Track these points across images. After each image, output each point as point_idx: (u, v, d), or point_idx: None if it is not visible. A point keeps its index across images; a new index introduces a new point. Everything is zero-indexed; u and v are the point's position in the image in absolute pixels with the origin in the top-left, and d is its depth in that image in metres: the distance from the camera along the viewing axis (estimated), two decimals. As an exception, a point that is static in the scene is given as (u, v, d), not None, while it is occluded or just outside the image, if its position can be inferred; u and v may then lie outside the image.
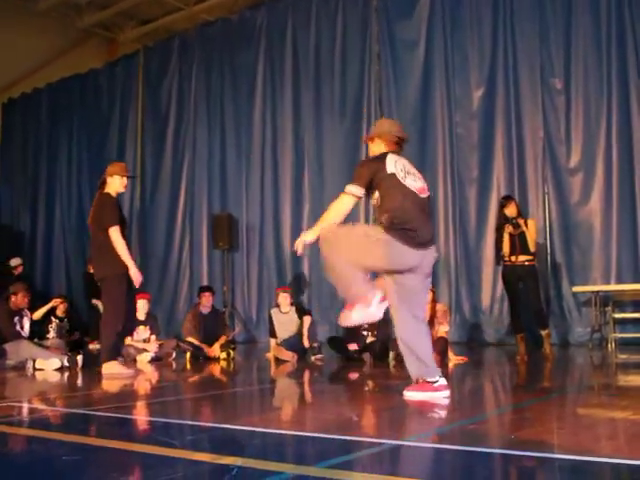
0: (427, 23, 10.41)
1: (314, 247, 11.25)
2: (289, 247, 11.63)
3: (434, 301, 6.96)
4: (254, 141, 12.21)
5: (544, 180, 9.31)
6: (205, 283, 11.68)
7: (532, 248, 7.26)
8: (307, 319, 8.10)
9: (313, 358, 7.60)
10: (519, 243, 7.21)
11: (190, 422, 3.51)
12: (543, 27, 9.40)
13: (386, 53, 10.80)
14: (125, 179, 6.51)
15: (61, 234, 15.35)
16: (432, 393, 3.96)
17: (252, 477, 2.16)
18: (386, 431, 3.21)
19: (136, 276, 6.14)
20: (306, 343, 7.87)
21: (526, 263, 7.24)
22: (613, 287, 8.46)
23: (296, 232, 11.47)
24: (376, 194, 4.07)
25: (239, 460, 2.38)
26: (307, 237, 4.12)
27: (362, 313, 3.86)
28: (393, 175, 4.04)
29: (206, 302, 8.32)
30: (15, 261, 12.51)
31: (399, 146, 4.33)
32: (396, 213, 3.96)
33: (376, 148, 4.31)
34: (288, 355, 7.56)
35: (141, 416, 3.85)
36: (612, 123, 8.88)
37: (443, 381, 4.02)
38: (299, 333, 7.98)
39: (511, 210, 7.36)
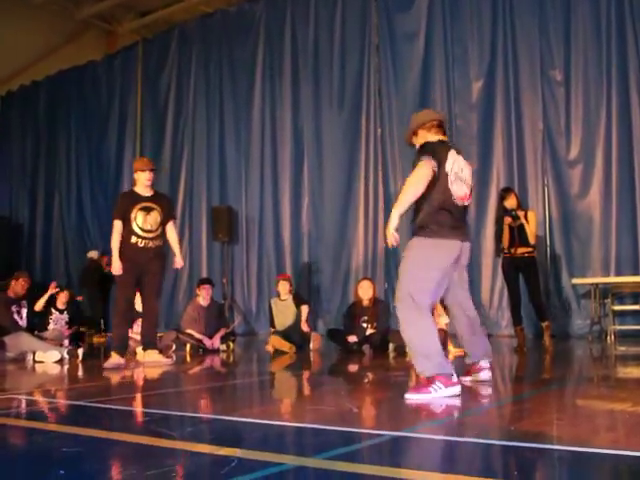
0: (427, 15, 10.38)
1: (314, 239, 11.13)
2: (288, 239, 11.64)
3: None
4: (253, 133, 12.20)
5: (544, 172, 9.31)
6: (205, 275, 11.69)
7: (532, 240, 7.24)
8: (305, 308, 8.16)
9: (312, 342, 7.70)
10: (518, 235, 7.19)
11: (190, 414, 3.52)
12: (543, 19, 9.38)
13: (385, 45, 10.78)
14: (147, 173, 6.57)
15: (60, 227, 15.35)
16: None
17: (252, 468, 2.16)
18: (385, 422, 3.21)
19: (113, 265, 6.24)
20: (305, 328, 7.93)
21: (525, 255, 7.23)
22: (612, 279, 8.47)
23: (295, 224, 11.50)
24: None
25: (239, 451, 2.38)
26: (394, 220, 3.88)
27: (444, 393, 3.68)
28: (446, 175, 3.97)
29: (205, 294, 8.32)
30: (93, 253, 12.54)
31: (443, 129, 4.24)
32: (432, 216, 3.94)
33: (422, 139, 4.17)
34: (286, 346, 7.58)
35: (141, 408, 3.85)
36: (612, 115, 8.87)
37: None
38: (297, 323, 8.02)
39: (511, 202, 7.34)
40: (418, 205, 3.98)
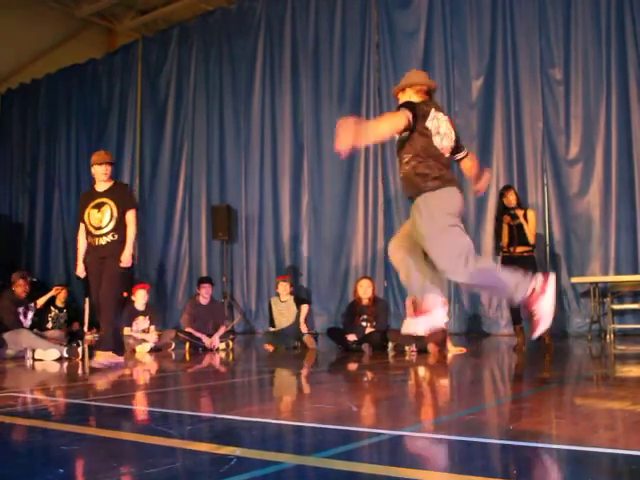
0: (426, 12, 10.39)
1: (314, 237, 11.13)
2: (288, 237, 11.64)
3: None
4: (253, 132, 12.19)
5: (543, 171, 9.31)
6: (204, 274, 11.70)
7: (531, 239, 7.23)
8: (305, 307, 8.16)
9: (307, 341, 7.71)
10: (517, 234, 7.18)
11: (189, 412, 3.52)
12: (542, 17, 9.38)
13: (385, 42, 10.78)
14: (103, 166, 6.30)
15: (60, 225, 15.35)
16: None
17: (251, 467, 2.17)
18: (385, 421, 3.21)
19: (77, 269, 6.30)
20: (304, 329, 7.94)
21: (524, 254, 7.22)
22: (612, 278, 8.47)
23: (295, 222, 11.50)
24: (404, 135, 4.00)
25: (238, 450, 2.38)
26: (348, 137, 3.95)
27: (429, 320, 3.90)
28: (428, 130, 3.98)
29: (205, 293, 8.33)
30: None
31: (429, 96, 4.28)
32: (429, 167, 3.94)
33: (407, 98, 4.22)
34: (270, 348, 7.66)
35: (140, 406, 3.85)
36: (611, 114, 8.88)
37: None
38: (296, 323, 8.03)
39: (510, 199, 7.33)
40: (409, 166, 3.99)
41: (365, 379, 4.65)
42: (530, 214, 7.34)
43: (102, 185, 6.28)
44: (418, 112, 3.96)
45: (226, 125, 12.62)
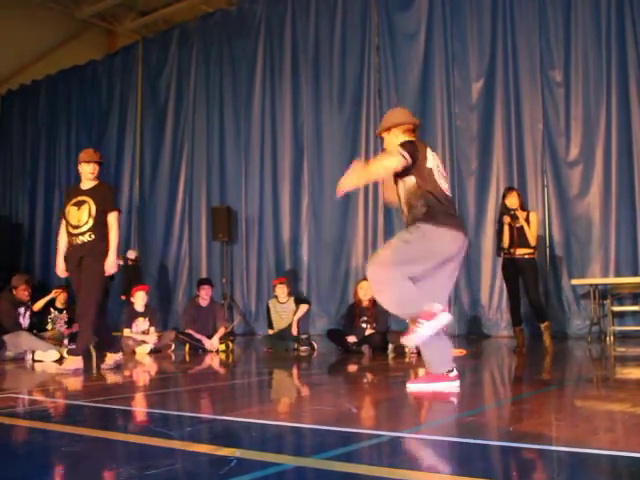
0: (427, 14, 10.40)
1: (314, 238, 11.14)
2: (288, 239, 11.64)
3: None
4: (253, 133, 12.20)
5: (543, 172, 9.31)
6: (204, 275, 11.70)
7: (532, 242, 7.22)
8: (303, 307, 8.15)
9: (301, 349, 7.69)
10: (518, 236, 7.17)
11: (189, 414, 3.52)
12: (543, 19, 9.39)
13: (385, 44, 10.79)
14: (91, 165, 5.99)
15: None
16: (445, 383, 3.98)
17: (251, 468, 2.16)
18: (385, 423, 3.21)
19: (57, 267, 6.17)
20: (294, 331, 7.93)
21: (525, 256, 7.21)
22: (612, 280, 8.47)
23: (295, 224, 11.50)
24: (412, 179, 3.99)
25: (237, 451, 2.38)
26: (351, 182, 4.05)
27: (430, 326, 3.83)
28: (431, 171, 4.02)
29: (204, 295, 8.32)
30: (131, 253, 12.52)
31: (415, 133, 4.30)
32: (434, 198, 3.95)
33: (394, 139, 4.21)
34: (306, 350, 7.66)
35: (140, 407, 3.85)
36: (612, 115, 8.88)
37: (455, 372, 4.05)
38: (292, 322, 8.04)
39: (511, 201, 7.31)
40: (413, 201, 3.99)
41: (365, 381, 4.65)
42: (532, 216, 7.32)
43: (87, 184, 6.06)
44: (419, 153, 3.98)
45: (226, 126, 12.62)
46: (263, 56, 12.27)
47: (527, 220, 7.22)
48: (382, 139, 4.41)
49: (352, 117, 11.07)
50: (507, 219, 7.20)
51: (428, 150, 4.08)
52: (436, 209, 3.93)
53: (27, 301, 8.04)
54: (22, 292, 7.93)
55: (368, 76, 11.00)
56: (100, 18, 16.61)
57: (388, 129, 4.28)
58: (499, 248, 7.43)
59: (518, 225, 7.17)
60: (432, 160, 4.05)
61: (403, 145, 3.99)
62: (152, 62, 14.01)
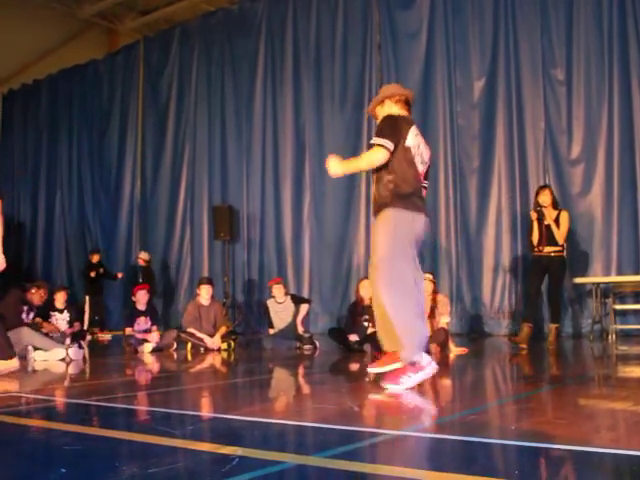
0: (428, 13, 10.39)
1: (315, 238, 11.13)
2: (290, 237, 11.64)
3: (435, 292, 6.97)
4: (255, 131, 12.20)
5: (545, 171, 9.30)
6: (206, 274, 11.71)
7: (560, 240, 7.30)
8: (304, 307, 8.20)
9: (303, 347, 7.70)
10: (546, 233, 7.25)
11: (191, 412, 3.52)
12: (544, 17, 9.37)
13: (387, 43, 10.78)
14: None
15: (62, 225, 15.38)
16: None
17: (253, 467, 2.16)
18: (386, 421, 3.21)
19: None
20: (300, 329, 7.97)
21: (552, 254, 7.27)
22: (614, 278, 8.47)
23: (297, 222, 11.50)
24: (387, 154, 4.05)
25: (240, 450, 2.38)
26: (340, 169, 4.18)
27: (414, 380, 3.84)
28: (409, 150, 4.05)
29: (205, 294, 8.32)
30: (144, 255, 12.53)
31: (409, 107, 4.30)
32: (399, 180, 4.01)
33: (387, 110, 4.24)
34: (309, 349, 7.68)
35: (142, 406, 3.85)
36: (613, 114, 8.87)
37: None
38: (294, 322, 8.06)
39: (543, 199, 7.43)
40: (382, 177, 4.06)
41: (366, 379, 4.64)
42: (563, 215, 7.40)
43: None
44: (400, 130, 4.02)
45: (228, 125, 12.62)
46: (264, 55, 12.26)
47: (557, 218, 7.30)
48: (375, 116, 4.45)
49: (354, 116, 11.06)
50: (534, 215, 7.30)
51: (412, 128, 4.10)
52: (399, 191, 3.99)
53: (35, 305, 8.05)
54: (34, 295, 7.94)
55: (370, 75, 10.99)
56: (101, 17, 16.61)
57: (381, 101, 4.32)
58: (530, 244, 7.51)
59: (546, 223, 7.24)
60: (413, 139, 4.08)
61: (384, 129, 4.03)
62: (153, 61, 14.01)
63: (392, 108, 4.24)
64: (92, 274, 12.38)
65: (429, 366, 3.92)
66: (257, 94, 12.26)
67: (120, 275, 12.67)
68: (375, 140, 4.00)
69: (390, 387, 3.86)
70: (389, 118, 4.09)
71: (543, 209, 7.34)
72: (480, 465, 2.21)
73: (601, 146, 8.94)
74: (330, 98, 11.36)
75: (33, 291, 7.93)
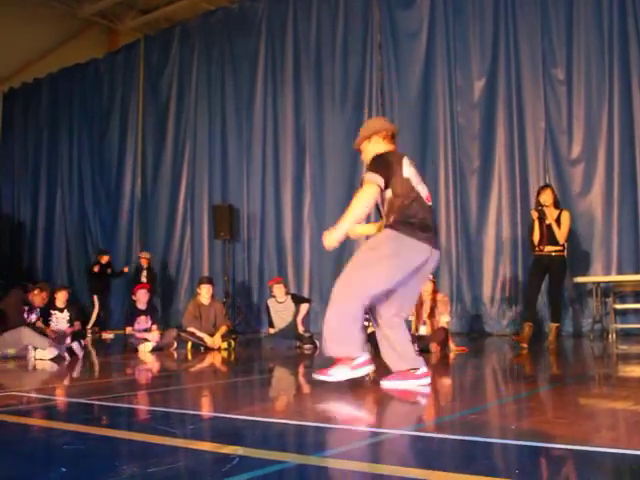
0: (429, 13, 10.38)
1: (315, 238, 11.10)
2: (290, 237, 11.64)
3: (435, 291, 6.97)
4: (255, 131, 12.19)
5: (545, 170, 9.30)
6: (206, 273, 11.70)
7: (561, 240, 7.32)
8: (304, 306, 8.21)
9: (304, 347, 7.70)
10: (547, 233, 7.27)
11: (191, 411, 3.52)
12: (545, 17, 9.37)
13: (387, 43, 10.77)
14: None
15: (62, 224, 15.38)
16: (413, 381, 3.97)
17: (253, 466, 2.16)
18: (387, 421, 3.21)
19: None
20: (300, 329, 7.97)
21: (553, 254, 7.29)
22: (614, 278, 8.47)
23: (297, 222, 11.49)
24: (388, 193, 3.99)
25: (240, 449, 2.38)
26: (336, 235, 3.96)
27: (348, 375, 3.96)
28: (408, 180, 4.01)
29: (205, 293, 8.33)
30: (146, 254, 12.52)
31: (394, 140, 4.30)
32: (404, 211, 3.94)
33: (375, 147, 4.20)
34: (310, 349, 7.67)
35: (142, 405, 3.85)
36: (614, 114, 8.87)
37: (424, 369, 4.03)
38: (294, 322, 8.07)
39: (545, 198, 7.45)
40: (391, 212, 3.99)
41: (367, 378, 4.64)
42: (564, 215, 7.43)
43: None
44: (392, 163, 3.98)
45: (228, 124, 12.62)
46: (265, 54, 12.26)
47: (559, 218, 7.31)
48: (360, 152, 4.37)
49: (354, 115, 11.05)
50: (535, 214, 7.31)
51: (404, 159, 4.07)
52: (407, 220, 3.92)
53: (36, 306, 8.05)
54: (36, 296, 7.94)
55: (370, 74, 10.99)
56: (102, 16, 16.61)
57: (369, 137, 4.25)
58: (531, 244, 7.52)
59: (547, 222, 7.26)
60: (408, 168, 4.05)
61: (374, 166, 3.97)
62: (153, 60, 14.01)
63: (379, 143, 4.20)
64: (95, 268, 12.38)
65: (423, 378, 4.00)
66: (257, 93, 12.26)
67: (126, 269, 12.66)
68: (366, 175, 3.96)
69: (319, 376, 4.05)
70: (378, 157, 4.06)
71: (544, 208, 7.35)
72: (480, 464, 2.21)
73: (601, 146, 8.93)
74: (330, 98, 11.35)
75: (35, 292, 7.93)
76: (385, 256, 3.88)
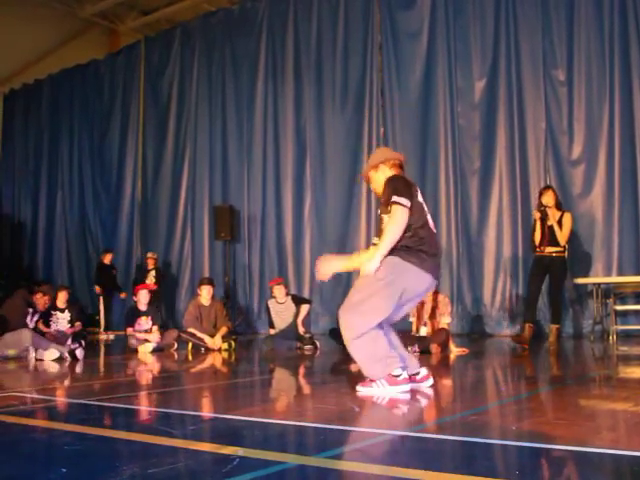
0: (429, 13, 10.38)
1: (316, 238, 11.10)
2: (290, 238, 11.64)
3: (436, 292, 6.97)
4: (255, 132, 12.20)
5: (546, 171, 9.30)
6: (206, 274, 11.71)
7: (561, 241, 7.34)
8: (305, 307, 8.21)
9: (304, 348, 7.70)
10: (549, 234, 7.28)
11: (191, 412, 3.52)
12: (545, 18, 9.37)
13: (388, 43, 10.78)
14: None
15: (62, 224, 15.38)
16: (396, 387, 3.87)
17: (253, 467, 2.17)
18: (387, 422, 3.21)
19: None
20: (301, 330, 7.98)
21: (553, 254, 7.30)
22: (614, 279, 8.47)
23: (297, 223, 11.50)
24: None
25: (240, 450, 2.38)
26: (374, 264, 3.83)
27: (388, 392, 3.81)
28: (421, 205, 4.02)
29: (206, 294, 8.33)
30: (152, 255, 12.51)
31: (402, 169, 4.28)
32: (415, 237, 3.92)
33: (382, 175, 4.16)
34: (310, 350, 7.65)
35: (143, 406, 3.85)
36: (614, 115, 8.87)
37: (406, 375, 3.94)
38: (294, 323, 8.08)
39: (547, 199, 7.48)
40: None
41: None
42: (566, 217, 7.45)
43: None
44: (411, 188, 3.97)
45: (228, 125, 12.62)
46: (265, 54, 12.26)
47: (561, 220, 7.33)
48: (368, 179, 4.34)
49: (354, 116, 11.06)
50: (537, 214, 7.33)
51: (416, 186, 4.09)
52: (416, 247, 3.90)
53: (39, 309, 8.07)
54: (40, 300, 7.96)
55: (370, 75, 10.99)
56: (102, 17, 16.62)
57: (376, 166, 4.23)
58: (532, 244, 7.54)
59: (549, 223, 7.28)
60: (419, 195, 4.06)
61: (397, 189, 3.91)
62: (154, 61, 14.02)
63: (386, 172, 4.17)
64: (106, 259, 12.41)
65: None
66: (258, 93, 12.26)
67: (124, 295, 12.62)
68: (395, 199, 3.86)
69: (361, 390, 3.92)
70: (396, 177, 4.03)
71: (547, 209, 7.36)
72: (481, 465, 2.21)
73: (602, 147, 8.93)
74: (331, 98, 11.35)
75: (38, 296, 7.96)
76: (392, 286, 3.85)
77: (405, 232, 3.90)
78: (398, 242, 3.91)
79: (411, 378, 3.99)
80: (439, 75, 10.24)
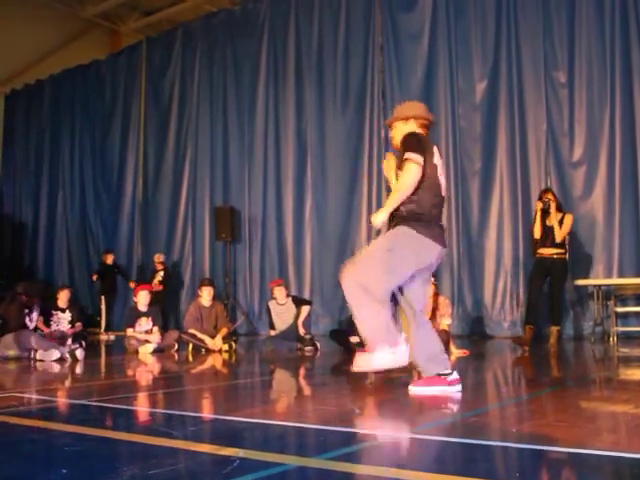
0: (431, 15, 10.39)
1: (317, 240, 11.12)
2: (291, 239, 11.64)
3: (436, 294, 6.97)
4: (256, 133, 12.20)
5: (547, 173, 9.31)
6: (207, 275, 11.71)
7: (558, 238, 7.35)
8: (305, 308, 8.22)
9: (304, 349, 7.70)
10: (549, 234, 7.30)
11: (192, 413, 3.52)
12: (547, 20, 9.38)
13: (389, 45, 10.78)
14: None
15: (63, 225, 15.39)
16: (444, 387, 3.89)
17: (254, 468, 2.16)
18: (388, 423, 3.21)
19: None
20: (301, 331, 7.99)
21: (554, 256, 7.31)
22: (615, 281, 8.47)
23: (298, 224, 11.50)
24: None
25: (241, 451, 2.38)
26: (382, 216, 3.84)
27: (386, 359, 3.75)
28: (436, 167, 3.98)
29: (207, 295, 8.33)
30: (159, 256, 12.51)
31: (428, 130, 4.24)
32: (423, 207, 3.90)
33: (409, 128, 4.11)
34: (310, 351, 7.66)
35: (143, 407, 3.85)
36: (615, 116, 8.87)
37: (456, 375, 3.96)
38: (295, 324, 8.09)
39: (547, 197, 7.49)
40: (411, 194, 3.92)
41: (368, 381, 4.64)
42: (567, 218, 7.46)
43: None
44: (426, 147, 3.93)
45: (230, 126, 12.63)
46: (267, 56, 12.27)
47: (562, 221, 7.35)
48: (390, 127, 4.30)
49: (356, 117, 11.06)
50: (539, 204, 7.35)
51: (435, 148, 4.06)
52: (422, 212, 3.89)
53: (34, 309, 8.07)
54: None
55: (372, 77, 10.99)
56: (104, 18, 16.63)
57: (406, 118, 4.18)
58: (532, 237, 7.56)
59: (550, 224, 7.29)
60: (437, 158, 4.04)
61: (413, 145, 3.88)
62: (156, 62, 14.03)
63: (413, 128, 4.11)
64: (109, 260, 12.40)
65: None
66: (259, 94, 12.27)
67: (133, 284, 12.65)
68: (408, 155, 3.83)
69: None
70: (414, 135, 3.98)
71: (550, 202, 7.38)
72: (481, 467, 2.21)
73: (603, 149, 8.94)
74: (332, 99, 11.36)
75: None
76: (400, 256, 3.82)
77: (414, 193, 3.87)
78: (409, 210, 3.88)
79: (439, 378, 3.94)
80: (440, 77, 10.24)
